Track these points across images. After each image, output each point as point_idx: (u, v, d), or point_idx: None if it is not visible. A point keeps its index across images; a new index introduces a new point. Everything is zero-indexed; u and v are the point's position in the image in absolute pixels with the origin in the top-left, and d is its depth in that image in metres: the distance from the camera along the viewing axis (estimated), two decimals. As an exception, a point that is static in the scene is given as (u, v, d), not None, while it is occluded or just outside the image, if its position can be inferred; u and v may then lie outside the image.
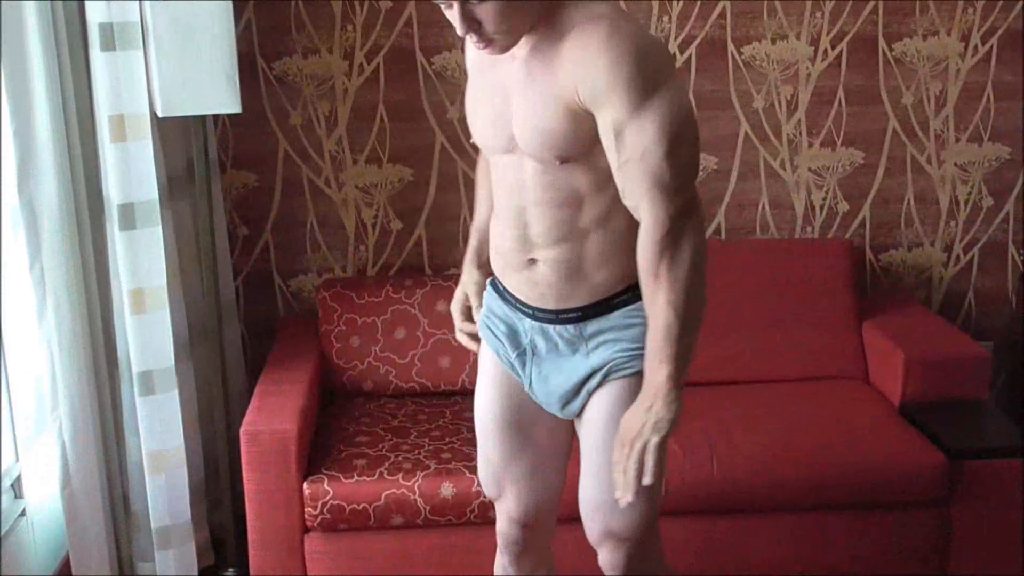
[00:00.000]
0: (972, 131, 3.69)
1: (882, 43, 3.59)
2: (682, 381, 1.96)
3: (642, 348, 2.02)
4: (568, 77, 1.91)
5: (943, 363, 3.24)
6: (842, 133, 3.65)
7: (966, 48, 3.63)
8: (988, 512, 3.01)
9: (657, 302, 1.93)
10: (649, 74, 1.86)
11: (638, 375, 2.05)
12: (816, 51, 3.58)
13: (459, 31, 1.91)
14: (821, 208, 3.72)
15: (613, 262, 2.08)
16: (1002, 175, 3.74)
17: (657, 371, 1.94)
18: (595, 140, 1.95)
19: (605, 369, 2.13)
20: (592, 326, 2.12)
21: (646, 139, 1.88)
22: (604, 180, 1.99)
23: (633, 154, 1.89)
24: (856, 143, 3.67)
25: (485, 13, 1.89)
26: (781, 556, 2.95)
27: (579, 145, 1.97)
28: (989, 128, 3.69)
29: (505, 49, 1.97)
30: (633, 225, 1.98)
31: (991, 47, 3.63)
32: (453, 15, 1.92)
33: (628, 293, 2.11)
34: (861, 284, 3.70)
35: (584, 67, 1.88)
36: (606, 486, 2.09)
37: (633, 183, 1.92)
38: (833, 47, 3.58)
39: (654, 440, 1.94)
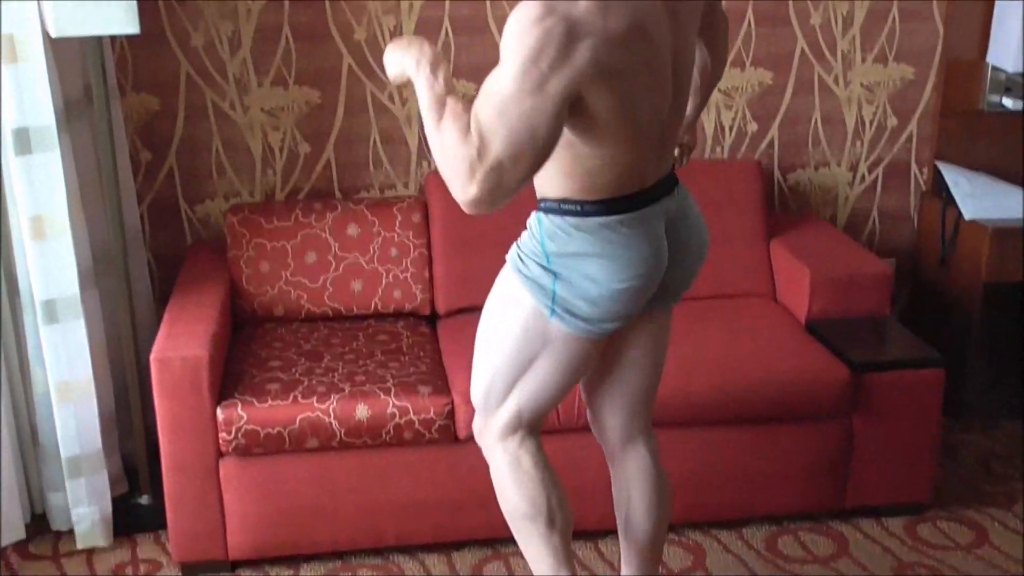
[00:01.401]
0: (878, 52, 3.74)
1: (789, -37, 3.61)
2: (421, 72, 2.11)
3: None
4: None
5: (847, 280, 3.32)
6: (751, 54, 3.68)
7: (871, -32, 3.66)
8: (888, 423, 3.10)
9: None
10: (531, 64, 1.93)
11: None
12: (724, -29, 3.59)
13: None
14: (730, 129, 3.75)
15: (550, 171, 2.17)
16: (906, 95, 3.80)
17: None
18: None
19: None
20: None
21: (494, 95, 1.97)
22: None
23: (483, 95, 2.00)
24: (765, 64, 3.70)
25: None
26: (690, 470, 3.01)
27: None
28: (895, 48, 3.75)
29: None
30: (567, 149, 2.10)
31: (895, -33, 3.67)
32: None
33: (550, 203, 2.20)
34: (769, 203, 3.75)
35: (508, 25, 2.01)
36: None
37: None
38: (741, -33, 3.60)
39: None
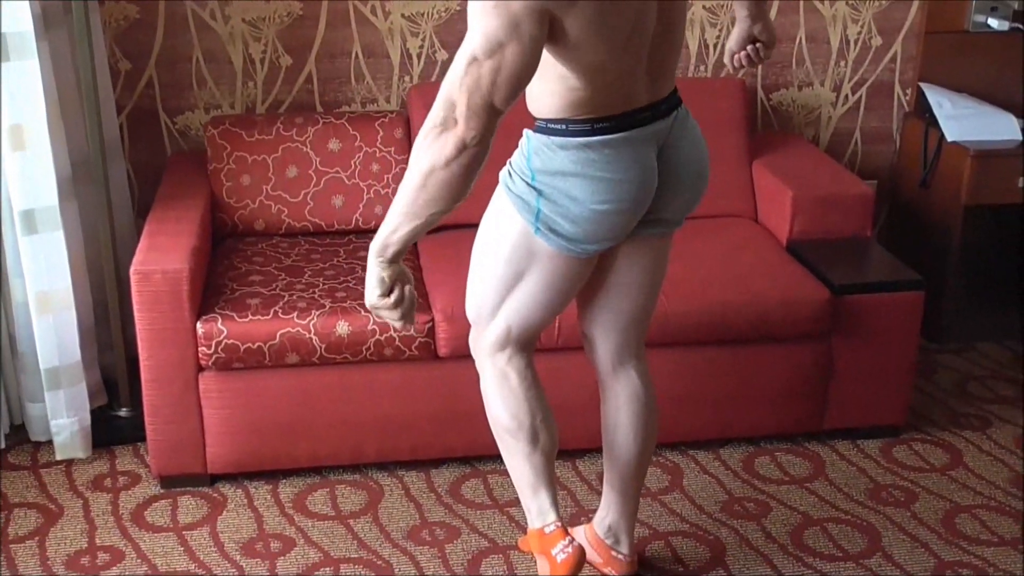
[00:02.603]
0: (865, -31, 3.71)
1: None
2: (384, 250, 2.09)
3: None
4: None
5: (829, 201, 3.32)
6: (737, -30, 3.63)
7: None
8: (867, 344, 3.13)
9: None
10: None
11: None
12: None
13: None
14: (714, 47, 3.72)
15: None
16: (892, 14, 3.77)
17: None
18: None
19: None
20: None
21: (469, 24, 1.95)
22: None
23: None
24: (751, -19, 3.65)
25: None
26: (668, 390, 3.02)
27: None
28: (881, -33, 3.71)
29: None
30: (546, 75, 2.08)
31: None
32: None
33: (539, 122, 2.20)
34: (752, 123, 3.73)
35: None
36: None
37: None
38: None
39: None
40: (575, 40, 2.02)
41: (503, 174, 2.28)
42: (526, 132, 2.24)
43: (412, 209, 2.03)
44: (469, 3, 1.97)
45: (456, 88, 1.95)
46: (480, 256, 2.37)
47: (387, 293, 2.12)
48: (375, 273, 2.12)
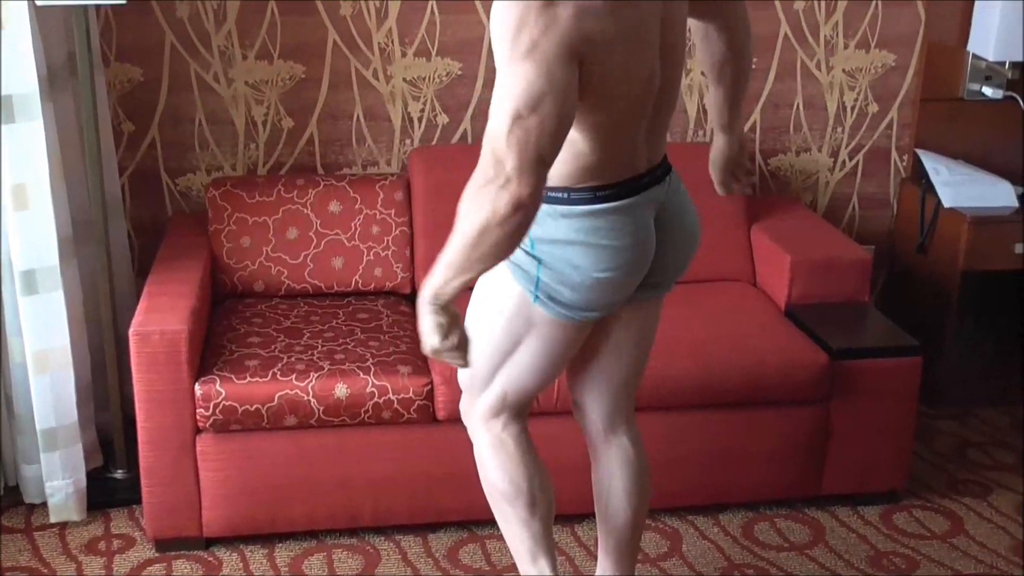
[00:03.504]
0: (860, 38, 3.75)
1: (776, -53, 3.61)
2: (438, 300, 2.05)
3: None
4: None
5: (827, 266, 3.33)
6: (735, 37, 3.67)
7: (856, -46, 3.67)
8: (865, 409, 3.12)
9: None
10: (524, 37, 1.90)
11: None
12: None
13: None
14: (713, 112, 3.75)
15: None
16: (888, 82, 3.82)
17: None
18: None
19: None
20: None
21: (504, 93, 1.93)
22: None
23: (493, 99, 1.96)
24: (749, 48, 3.70)
25: None
26: (667, 454, 3.02)
27: None
28: (876, 35, 3.75)
29: None
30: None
31: (881, -46, 3.68)
32: None
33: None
34: (750, 188, 3.76)
35: (493, 8, 2.01)
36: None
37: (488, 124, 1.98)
38: (728, -50, 3.58)
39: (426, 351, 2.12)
40: (595, 92, 2.01)
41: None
42: None
43: (464, 264, 2.00)
44: (500, 50, 1.96)
45: (503, 145, 1.91)
46: (474, 322, 2.34)
47: (446, 337, 2.09)
48: (432, 320, 2.07)
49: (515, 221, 1.94)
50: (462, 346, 2.12)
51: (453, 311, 2.09)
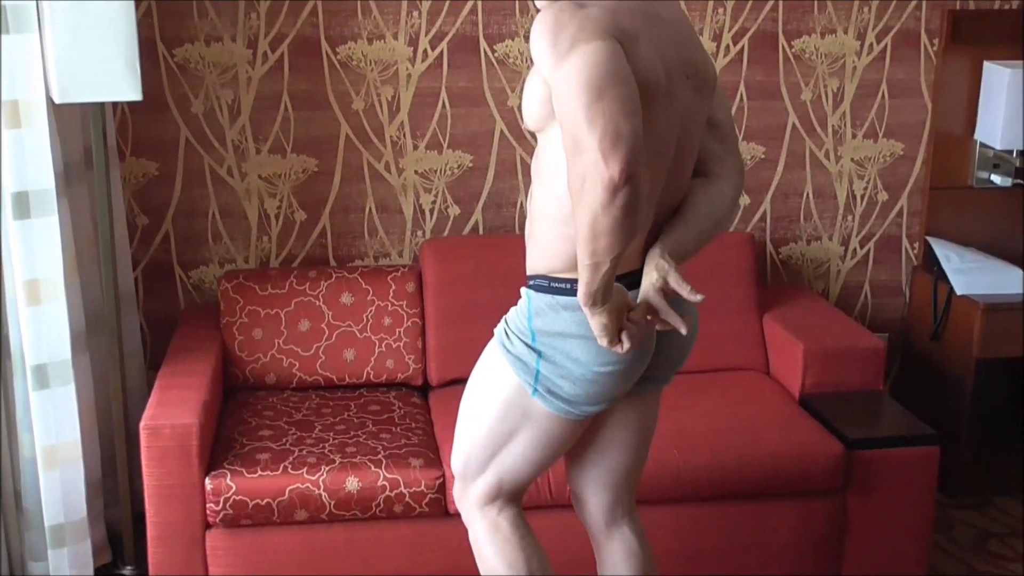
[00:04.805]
0: (868, 127, 3.78)
1: (782, 40, 3.66)
2: (590, 299, 2.02)
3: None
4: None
5: (840, 354, 3.32)
6: (744, 127, 3.71)
7: (862, 46, 3.71)
8: (882, 499, 3.08)
9: None
10: (563, 36, 1.95)
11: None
12: (718, 47, 3.63)
13: None
14: (723, 202, 3.76)
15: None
16: (896, 170, 3.84)
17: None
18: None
19: None
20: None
21: (565, 98, 1.95)
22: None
23: (559, 114, 1.98)
24: (757, 138, 3.73)
25: None
26: (681, 546, 2.98)
27: (543, 114, 2.08)
28: (884, 124, 3.78)
29: None
30: None
31: (885, 46, 3.71)
32: None
33: (539, 280, 2.19)
34: (762, 277, 3.76)
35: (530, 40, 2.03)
36: None
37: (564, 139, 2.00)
38: (735, 43, 3.64)
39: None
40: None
41: (498, 331, 2.27)
42: (525, 291, 2.22)
43: (595, 261, 1.98)
44: (544, 62, 1.99)
45: (584, 138, 1.92)
46: (469, 411, 2.34)
47: (618, 335, 2.06)
48: (597, 322, 2.05)
49: (617, 205, 1.92)
50: (644, 330, 2.10)
51: (615, 303, 2.05)
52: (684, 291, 2.11)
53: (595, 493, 2.46)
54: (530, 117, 2.14)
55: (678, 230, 2.18)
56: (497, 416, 2.27)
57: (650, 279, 2.12)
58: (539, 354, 2.18)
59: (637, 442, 2.43)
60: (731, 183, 2.25)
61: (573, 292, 2.11)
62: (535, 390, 2.20)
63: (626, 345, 2.06)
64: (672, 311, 2.11)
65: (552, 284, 2.16)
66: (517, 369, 2.21)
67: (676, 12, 2.19)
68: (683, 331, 2.12)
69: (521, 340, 2.20)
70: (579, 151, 1.94)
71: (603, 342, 2.06)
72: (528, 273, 2.23)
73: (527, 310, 2.20)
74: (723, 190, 2.24)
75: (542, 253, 2.18)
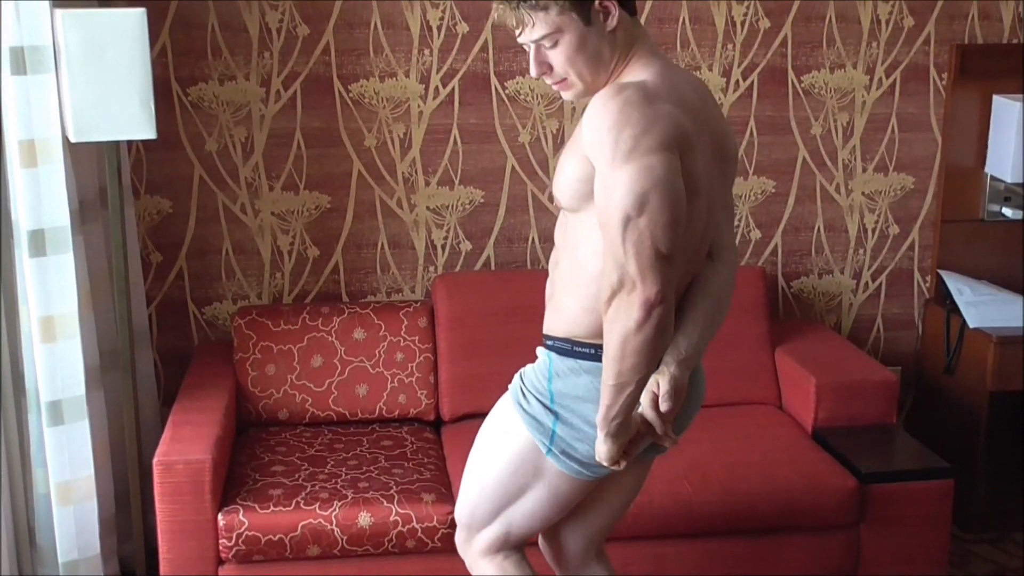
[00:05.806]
0: (878, 161, 3.79)
1: (791, 75, 3.68)
2: (608, 425, 2.05)
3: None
4: (583, 128, 2.03)
5: (853, 388, 3.31)
6: (754, 162, 3.72)
7: (871, 81, 3.73)
8: (897, 534, 3.07)
9: None
10: (626, 136, 1.94)
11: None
12: (728, 82, 3.65)
13: (533, 73, 2.08)
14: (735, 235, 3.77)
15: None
16: (907, 204, 3.84)
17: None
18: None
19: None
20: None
21: (610, 201, 1.96)
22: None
23: (600, 210, 1.98)
24: (768, 172, 3.75)
25: (555, 57, 2.04)
26: (697, 580, 2.98)
27: (581, 192, 2.06)
28: (894, 158, 3.79)
29: (580, 95, 2.10)
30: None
31: (895, 80, 3.73)
32: (530, 57, 2.08)
33: (561, 342, 2.19)
34: (773, 310, 3.76)
35: (586, 118, 2.02)
36: None
37: (603, 237, 2.00)
38: (744, 78, 3.66)
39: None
40: None
41: (514, 389, 2.25)
42: (545, 352, 2.21)
43: (620, 380, 2.00)
44: (599, 152, 1.98)
45: (621, 251, 1.94)
46: (480, 462, 2.33)
47: (625, 456, 2.09)
48: (605, 449, 2.08)
49: (652, 324, 1.95)
50: (639, 448, 2.12)
51: (631, 423, 2.06)
52: (659, 427, 2.07)
53: (572, 540, 2.47)
54: (566, 195, 2.11)
55: (688, 332, 2.13)
56: (509, 471, 2.27)
57: (651, 385, 2.07)
58: (556, 416, 2.17)
59: (626, 501, 2.45)
60: (731, 265, 2.25)
61: (596, 357, 2.11)
62: (549, 450, 2.20)
63: (623, 465, 2.10)
64: (668, 430, 2.09)
65: (575, 348, 2.15)
66: (532, 428, 2.20)
67: (706, 87, 2.21)
68: (670, 447, 2.18)
69: (539, 400, 2.19)
70: (616, 260, 1.95)
71: (602, 460, 2.09)
72: (547, 333, 2.22)
73: (547, 371, 2.19)
74: (721, 273, 2.22)
75: (566, 318, 2.17)
